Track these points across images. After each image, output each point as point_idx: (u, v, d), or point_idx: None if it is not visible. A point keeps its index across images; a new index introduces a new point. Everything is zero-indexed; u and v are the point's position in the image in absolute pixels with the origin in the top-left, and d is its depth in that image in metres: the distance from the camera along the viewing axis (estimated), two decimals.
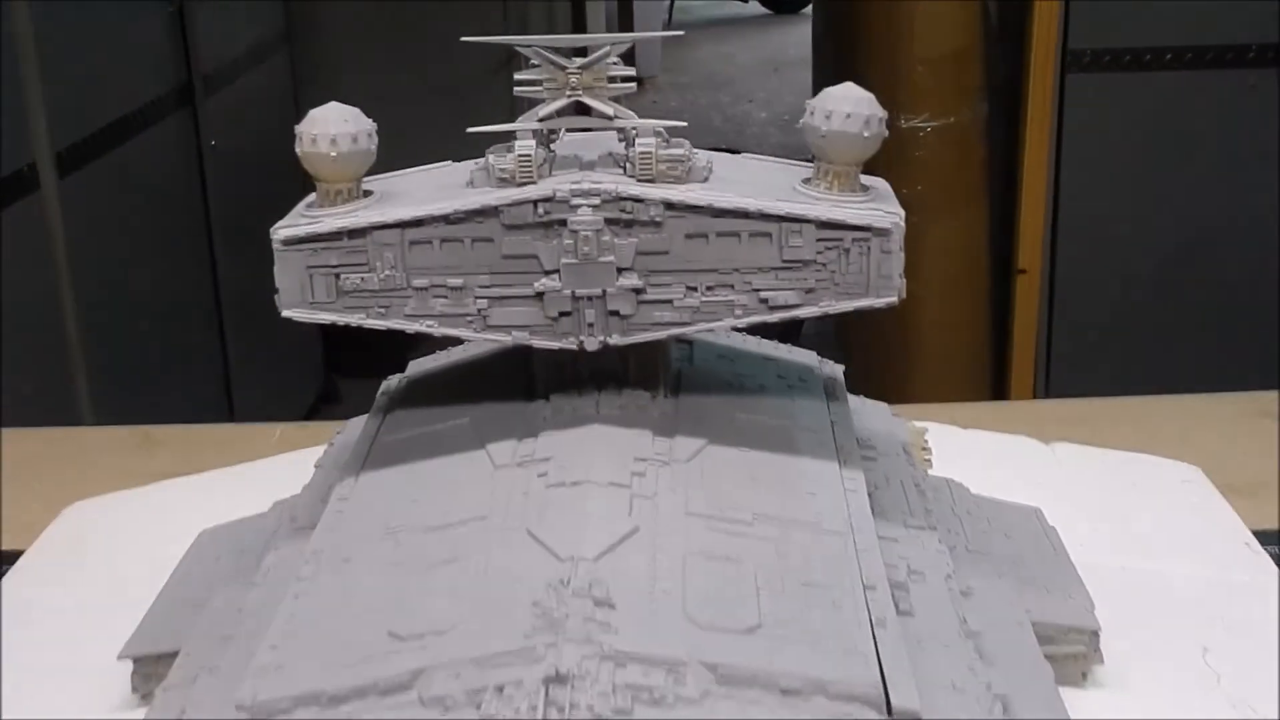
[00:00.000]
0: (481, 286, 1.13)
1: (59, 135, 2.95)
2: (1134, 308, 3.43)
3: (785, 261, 1.12)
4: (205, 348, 3.54)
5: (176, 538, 1.34)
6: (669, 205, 1.11)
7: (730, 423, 1.19)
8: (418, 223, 1.12)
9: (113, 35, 3.10)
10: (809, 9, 6.84)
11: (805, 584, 1.00)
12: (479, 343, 1.30)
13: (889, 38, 3.43)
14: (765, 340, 1.38)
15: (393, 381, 1.35)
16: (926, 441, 1.38)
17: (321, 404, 4.23)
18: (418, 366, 1.37)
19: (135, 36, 3.21)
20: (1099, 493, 1.47)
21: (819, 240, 1.11)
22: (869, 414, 1.35)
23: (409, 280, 1.13)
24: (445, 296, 1.14)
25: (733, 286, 1.13)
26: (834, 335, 3.81)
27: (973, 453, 1.49)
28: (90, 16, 3.00)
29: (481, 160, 1.14)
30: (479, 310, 1.14)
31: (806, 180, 1.15)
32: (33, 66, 2.79)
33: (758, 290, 1.13)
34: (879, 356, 3.52)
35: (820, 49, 4.38)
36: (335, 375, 4.32)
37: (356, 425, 1.33)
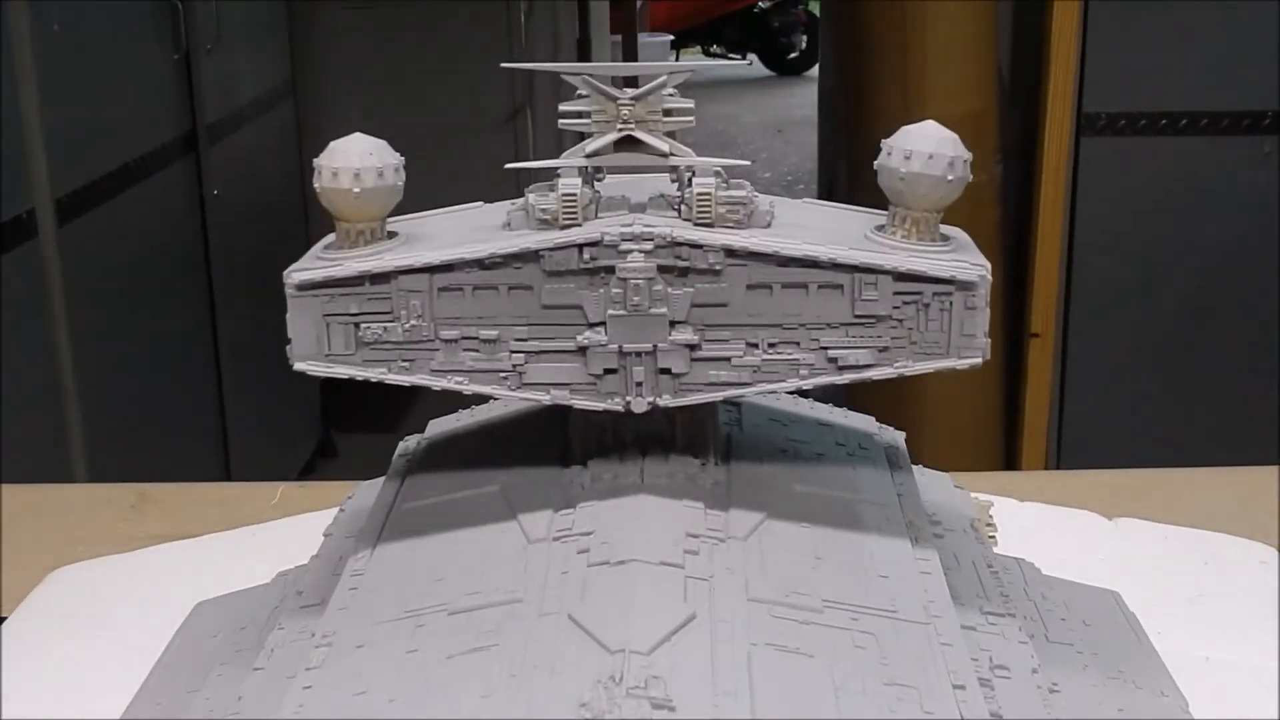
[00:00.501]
0: (518, 340, 0.99)
1: (59, 181, 2.81)
2: (1149, 373, 3.30)
3: (858, 317, 0.98)
4: (202, 400, 3.39)
5: (169, 608, 1.20)
6: (730, 252, 0.97)
7: (789, 494, 1.05)
8: (448, 267, 0.98)
9: (117, 82, 2.97)
10: (814, 71, 6.74)
11: (888, 683, 0.85)
12: (503, 402, 1.16)
13: (901, 99, 3.30)
14: (818, 404, 1.23)
15: (410, 443, 1.21)
16: (991, 516, 1.24)
17: (319, 459, 4.07)
18: (438, 427, 1.22)
19: (139, 84, 3.08)
20: (1171, 574, 1.32)
21: (896, 294, 0.97)
22: (930, 485, 1.21)
23: (437, 331, 0.99)
24: (477, 350, 0.99)
25: (798, 344, 0.99)
26: (838, 393, 3.66)
27: (1034, 528, 1.35)
28: (94, 63, 2.87)
29: (520, 200, 1.00)
30: (514, 366, 1.00)
31: (880, 228, 1.01)
32: (34, 111, 2.66)
33: (826, 348, 0.99)
34: (885, 418, 3.38)
35: (827, 110, 4.26)
36: (333, 430, 4.16)
37: (369, 490, 1.18)
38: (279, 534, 1.37)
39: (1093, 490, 1.57)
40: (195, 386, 3.34)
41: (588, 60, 4.20)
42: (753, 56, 7.61)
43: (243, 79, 3.52)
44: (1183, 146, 3.20)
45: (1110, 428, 3.30)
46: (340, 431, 4.13)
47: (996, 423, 3.38)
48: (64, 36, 2.74)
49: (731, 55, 7.45)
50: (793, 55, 7.67)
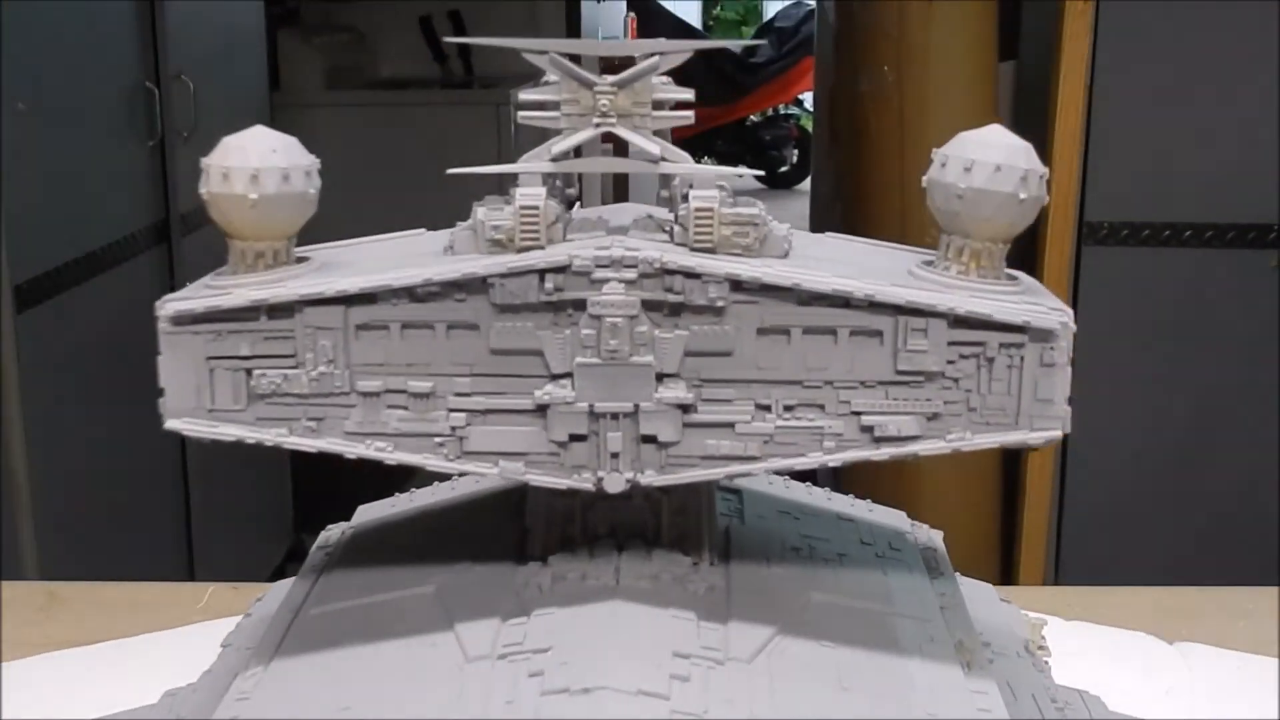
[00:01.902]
0: (458, 395, 0.73)
1: (20, 266, 2.55)
2: (1149, 490, 3.04)
3: (901, 374, 0.72)
4: (166, 500, 3.11)
5: None
6: (736, 284, 0.71)
7: (805, 605, 0.78)
8: (369, 297, 0.72)
9: (87, 166, 2.73)
10: (805, 184, 6.55)
11: None
12: (469, 480, 0.90)
13: (900, 207, 3.08)
14: (836, 494, 0.96)
15: (334, 533, 0.93)
16: (1044, 638, 0.96)
17: (289, 564, 3.76)
18: (369, 513, 0.94)
19: (111, 169, 2.84)
20: (1243, 707, 1.05)
21: (952, 344, 0.71)
22: (971, 596, 0.93)
23: (353, 382, 0.73)
24: (405, 407, 0.73)
25: (823, 407, 0.73)
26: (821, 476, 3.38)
27: (1086, 651, 1.08)
28: (63, 145, 2.63)
29: (470, 220, 0.74)
30: (453, 429, 0.73)
31: (929, 263, 0.75)
32: None
33: (859, 414, 0.73)
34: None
35: (821, 220, 4.04)
36: (304, 533, 3.86)
37: (282, 590, 0.90)
38: (191, 641, 1.09)
39: (1138, 608, 1.30)
40: (159, 487, 3.06)
41: (625, 191, 3.92)
42: (744, 169, 7.42)
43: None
44: (1187, 259, 2.97)
45: (1111, 541, 3.03)
46: (312, 534, 3.83)
47: (993, 534, 3.10)
48: (31, 116, 2.51)
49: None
50: (784, 169, 7.50)
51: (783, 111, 7.76)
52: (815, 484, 0.98)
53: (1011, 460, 3.01)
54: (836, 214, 3.54)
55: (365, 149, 3.69)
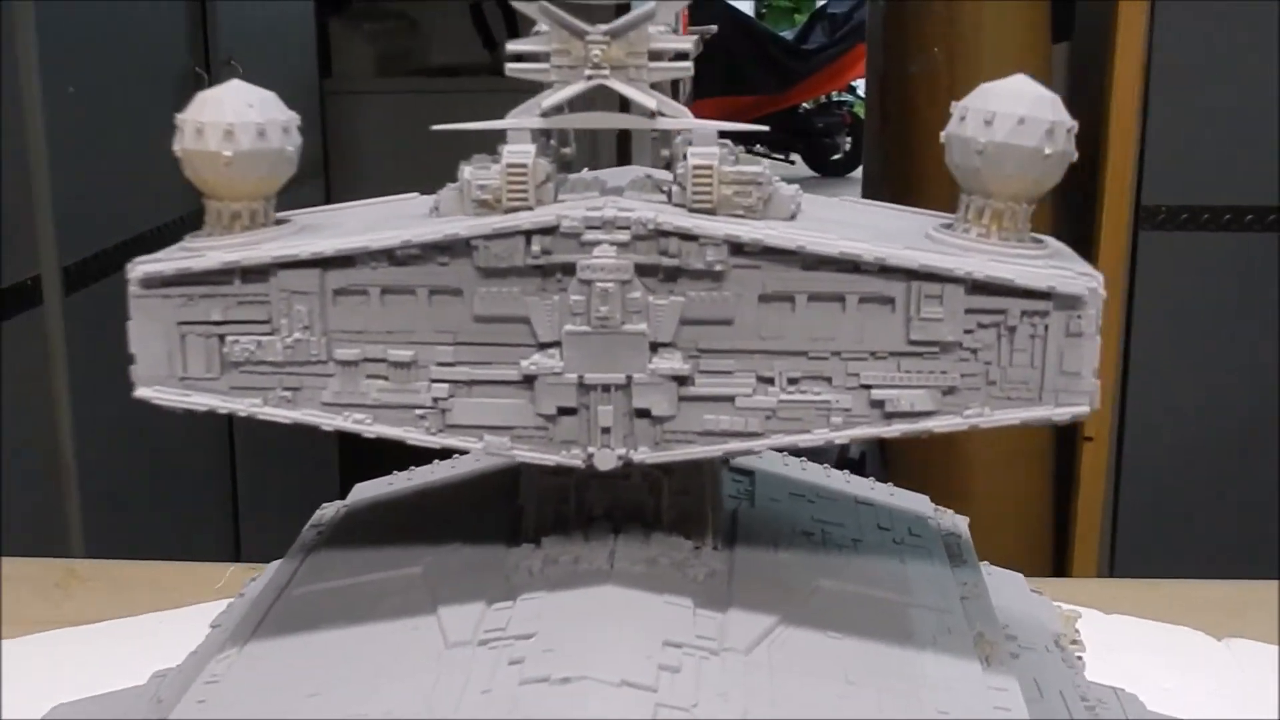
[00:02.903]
0: (441, 364, 0.68)
1: (68, 250, 2.54)
2: (1208, 480, 2.94)
3: (914, 344, 0.66)
4: (213, 478, 3.09)
5: (26, 709, 0.87)
6: (737, 247, 0.66)
7: (812, 592, 0.72)
8: (347, 260, 0.67)
9: (135, 150, 2.71)
10: (857, 173, 6.43)
11: None
12: (473, 456, 0.85)
13: (950, 191, 2.99)
14: (855, 476, 0.90)
15: (328, 511, 0.89)
16: (1077, 631, 0.90)
17: None
18: (365, 491, 0.90)
19: (159, 153, 2.81)
20: None
21: (970, 311, 0.65)
22: (999, 587, 0.87)
23: (330, 350, 0.68)
24: (385, 377, 0.68)
25: (829, 380, 0.67)
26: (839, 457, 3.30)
27: (1127, 647, 1.01)
28: (111, 128, 2.62)
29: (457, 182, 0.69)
30: (435, 401, 0.68)
31: (948, 226, 0.69)
32: (44, 175, 2.40)
33: (869, 387, 0.67)
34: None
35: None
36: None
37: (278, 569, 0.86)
38: (191, 622, 1.05)
39: (1185, 602, 1.22)
40: (206, 465, 3.04)
41: (628, 154, 3.88)
42: (796, 157, 7.31)
43: None
44: (1247, 243, 2.87)
45: (1168, 533, 2.93)
46: None
47: (1047, 524, 3.02)
48: (80, 100, 2.49)
49: (775, 156, 7.13)
50: (836, 156, 7.36)
51: (836, 99, 7.64)
52: (860, 474, 0.92)
53: (1065, 450, 2.92)
54: (886, 198, 3.47)
55: (416, 136, 3.66)
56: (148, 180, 2.80)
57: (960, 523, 0.88)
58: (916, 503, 0.88)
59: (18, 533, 2.28)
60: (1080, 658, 0.89)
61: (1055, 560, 3.02)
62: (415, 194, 0.78)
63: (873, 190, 3.90)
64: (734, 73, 6.54)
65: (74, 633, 1.15)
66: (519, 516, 0.76)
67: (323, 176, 3.50)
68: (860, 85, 7.02)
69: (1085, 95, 2.92)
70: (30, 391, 2.48)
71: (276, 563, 0.89)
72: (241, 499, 3.12)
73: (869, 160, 4.28)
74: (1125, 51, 2.67)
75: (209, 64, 2.94)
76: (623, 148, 3.66)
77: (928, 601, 0.75)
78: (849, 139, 7.43)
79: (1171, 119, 2.82)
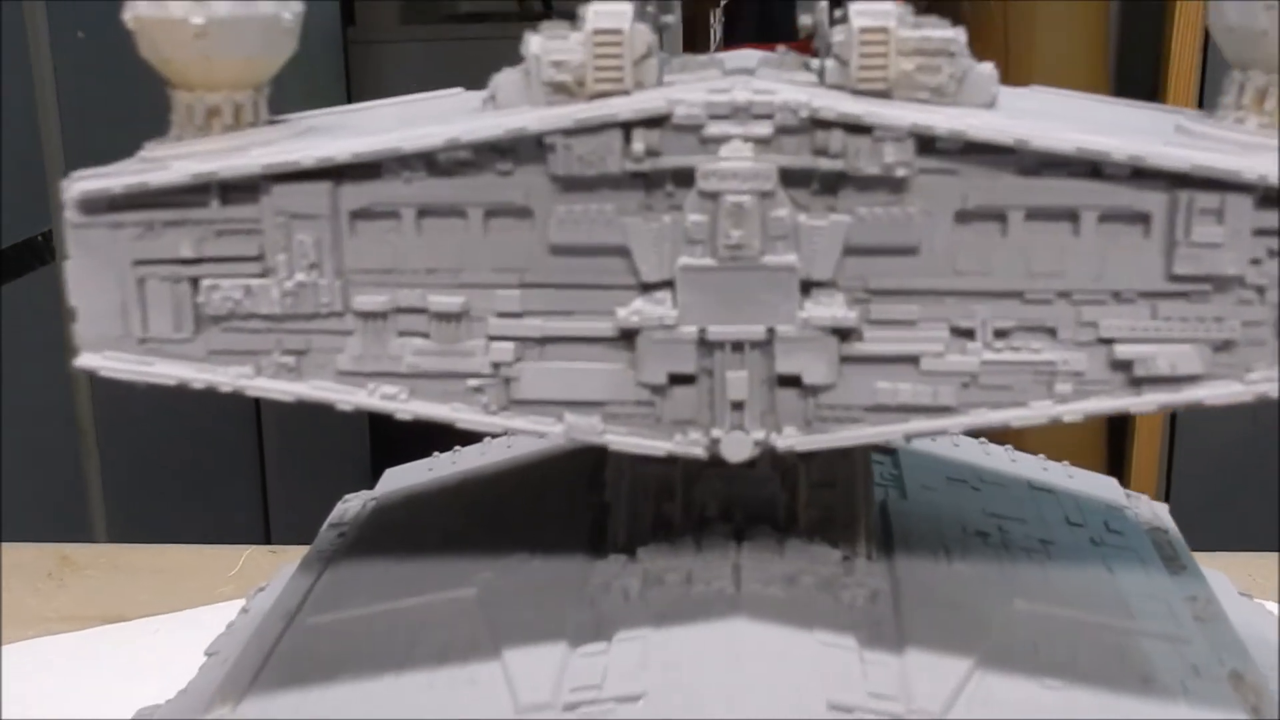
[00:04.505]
0: (503, 315, 0.46)
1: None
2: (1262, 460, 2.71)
3: (1177, 279, 0.44)
4: (241, 458, 2.88)
5: None
6: (925, 143, 0.43)
7: (1009, 620, 0.51)
8: (370, 169, 0.45)
9: (146, 100, 2.48)
10: None
11: None
12: (516, 440, 0.64)
13: None
14: (1020, 452, 0.68)
15: (352, 504, 0.67)
16: None
17: None
18: (397, 479, 0.68)
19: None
20: None
21: (1258, 233, 0.43)
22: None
23: (348, 298, 0.46)
24: (426, 334, 0.46)
25: (1053, 332, 0.45)
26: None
27: None
28: (123, 78, 2.39)
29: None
30: (495, 366, 0.46)
31: (1209, 116, 0.47)
32: (54, 125, 2.17)
33: (1110, 341, 0.44)
34: None
35: None
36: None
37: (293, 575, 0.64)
38: (192, 631, 0.84)
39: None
40: (233, 444, 2.82)
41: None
42: None
43: (291, 107, 3.02)
44: None
45: (1223, 474, 2.71)
46: None
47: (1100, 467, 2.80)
48: (90, 45, 2.27)
49: None
50: None
51: None
52: None
53: (1115, 440, 2.70)
54: None
55: (442, 85, 3.43)
56: (162, 131, 2.59)
57: (1161, 511, 0.66)
58: (1101, 486, 0.67)
59: (32, 514, 2.08)
60: None
61: None
62: (460, 89, 0.56)
63: None
64: (765, 20, 6.29)
65: (55, 643, 0.94)
66: (604, 516, 0.55)
67: None
68: None
69: (1143, 13, 2.69)
70: (42, 359, 2.26)
71: (289, 568, 0.67)
72: (269, 476, 2.91)
73: None
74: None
75: None
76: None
77: (1156, 627, 0.53)
78: None
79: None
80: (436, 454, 0.70)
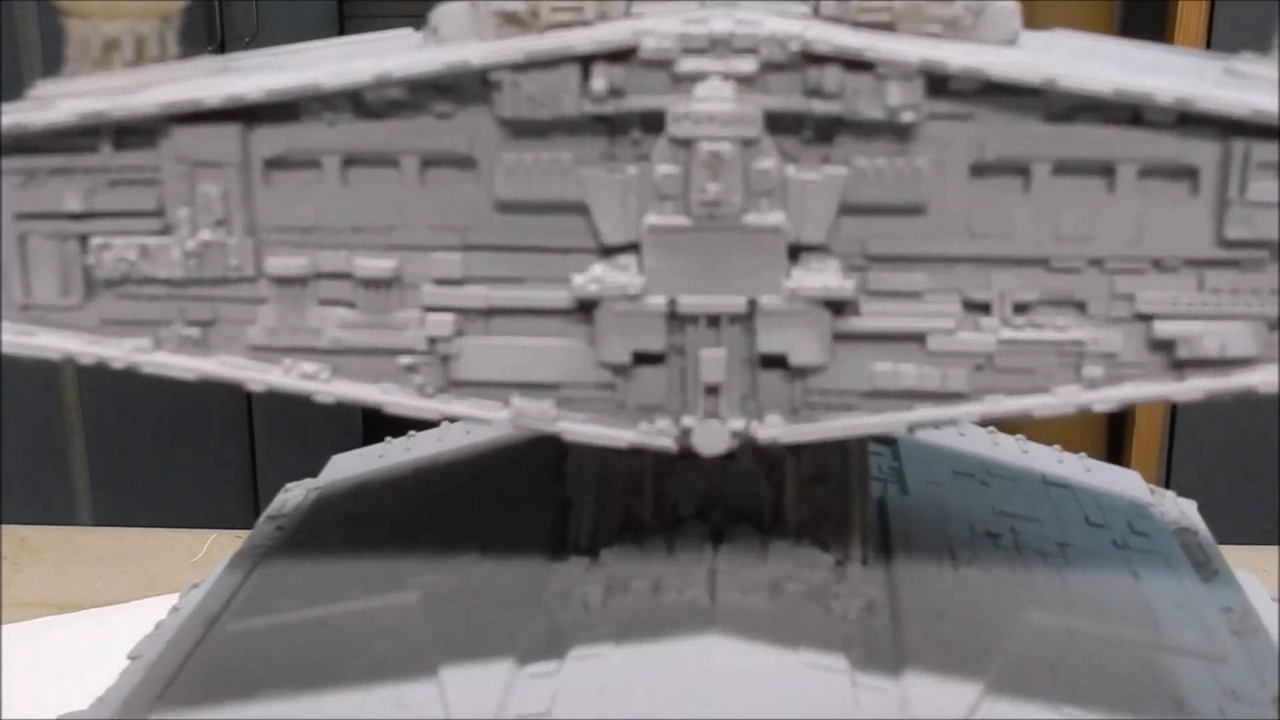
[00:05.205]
0: (441, 282, 0.39)
1: None
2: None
3: (1229, 245, 0.37)
4: (230, 436, 2.80)
5: None
6: (936, 83, 0.36)
7: (1022, 635, 0.43)
8: (287, 110, 0.38)
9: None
10: None
11: None
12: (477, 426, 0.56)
13: None
14: (1031, 442, 0.61)
15: (294, 494, 0.60)
16: None
17: None
18: (346, 466, 0.61)
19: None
20: None
21: None
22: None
23: (260, 259, 0.39)
24: (352, 303, 0.39)
25: (1082, 306, 0.38)
26: None
27: None
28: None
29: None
30: (433, 342, 0.39)
31: (1258, 57, 0.40)
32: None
33: (1148, 317, 0.37)
34: None
35: None
36: None
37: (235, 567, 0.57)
38: (134, 625, 0.77)
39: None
40: (222, 422, 2.75)
41: None
42: None
43: None
44: None
45: (1222, 462, 2.65)
46: None
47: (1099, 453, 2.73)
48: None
49: None
50: None
51: None
52: None
53: (1114, 432, 2.63)
54: None
55: None
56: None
57: (1189, 509, 0.59)
58: (1124, 481, 0.60)
59: (19, 497, 2.02)
60: None
61: None
62: (411, 29, 0.49)
63: None
64: None
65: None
66: (566, 513, 0.48)
67: None
68: None
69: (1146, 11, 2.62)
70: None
71: (226, 561, 0.60)
72: (260, 460, 2.84)
73: None
74: None
75: None
76: None
77: (1188, 642, 0.47)
78: None
79: (1238, 34, 2.50)
80: (390, 439, 0.63)
